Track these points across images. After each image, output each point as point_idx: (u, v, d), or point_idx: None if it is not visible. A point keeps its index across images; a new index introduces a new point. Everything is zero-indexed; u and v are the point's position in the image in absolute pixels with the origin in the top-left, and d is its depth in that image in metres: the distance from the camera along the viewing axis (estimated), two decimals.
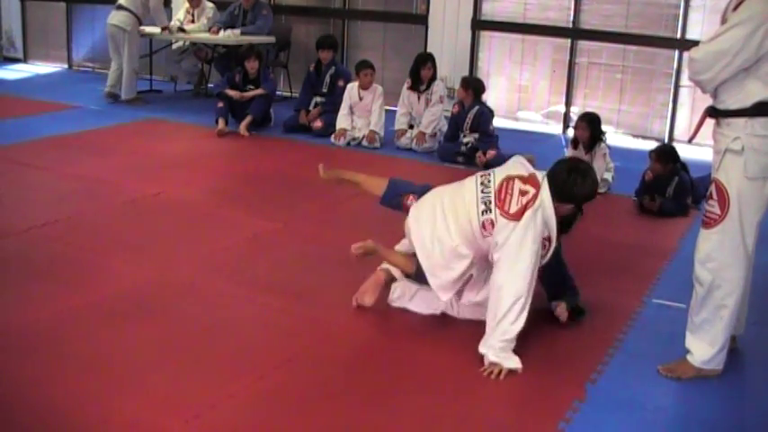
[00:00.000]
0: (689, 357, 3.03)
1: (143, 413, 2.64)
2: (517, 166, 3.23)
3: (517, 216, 3.04)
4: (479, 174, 3.29)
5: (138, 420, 2.60)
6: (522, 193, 3.07)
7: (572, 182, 3.09)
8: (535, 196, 3.05)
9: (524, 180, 3.12)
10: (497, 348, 3.01)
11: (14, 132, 6.61)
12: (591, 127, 5.57)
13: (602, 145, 5.56)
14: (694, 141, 3.39)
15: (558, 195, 3.09)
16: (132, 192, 5.11)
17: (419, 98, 6.76)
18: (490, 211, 3.10)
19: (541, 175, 3.14)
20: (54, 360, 2.96)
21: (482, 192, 3.16)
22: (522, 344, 3.11)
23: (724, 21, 2.91)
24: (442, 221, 3.24)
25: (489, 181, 3.18)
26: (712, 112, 2.96)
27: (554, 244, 3.16)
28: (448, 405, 2.79)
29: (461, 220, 3.19)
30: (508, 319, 3.01)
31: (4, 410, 2.63)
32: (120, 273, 3.82)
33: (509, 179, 3.13)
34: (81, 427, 2.55)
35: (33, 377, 2.83)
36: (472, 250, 3.20)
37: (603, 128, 5.70)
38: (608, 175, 5.62)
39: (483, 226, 3.12)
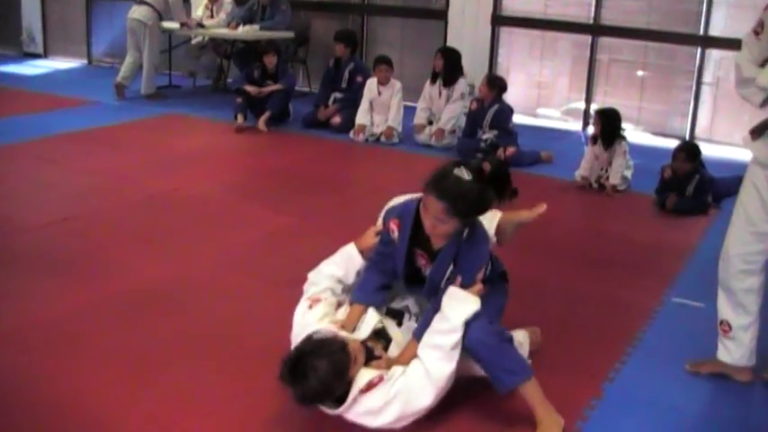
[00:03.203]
0: None
1: (160, 409, 2.65)
2: None
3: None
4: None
5: (154, 416, 2.61)
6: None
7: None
8: None
9: None
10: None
11: (34, 128, 6.66)
12: (603, 121, 5.52)
13: (623, 143, 5.50)
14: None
15: None
16: (151, 187, 5.13)
17: (440, 94, 6.74)
18: None
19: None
20: (72, 355, 2.98)
21: None
22: (541, 342, 3.08)
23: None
24: None
25: None
26: None
27: None
28: (457, 404, 2.78)
29: None
30: None
31: (21, 405, 2.64)
32: (139, 268, 3.84)
33: None
34: (98, 423, 2.56)
35: (51, 372, 2.85)
36: None
37: (623, 125, 5.64)
38: (627, 173, 5.58)
39: None
